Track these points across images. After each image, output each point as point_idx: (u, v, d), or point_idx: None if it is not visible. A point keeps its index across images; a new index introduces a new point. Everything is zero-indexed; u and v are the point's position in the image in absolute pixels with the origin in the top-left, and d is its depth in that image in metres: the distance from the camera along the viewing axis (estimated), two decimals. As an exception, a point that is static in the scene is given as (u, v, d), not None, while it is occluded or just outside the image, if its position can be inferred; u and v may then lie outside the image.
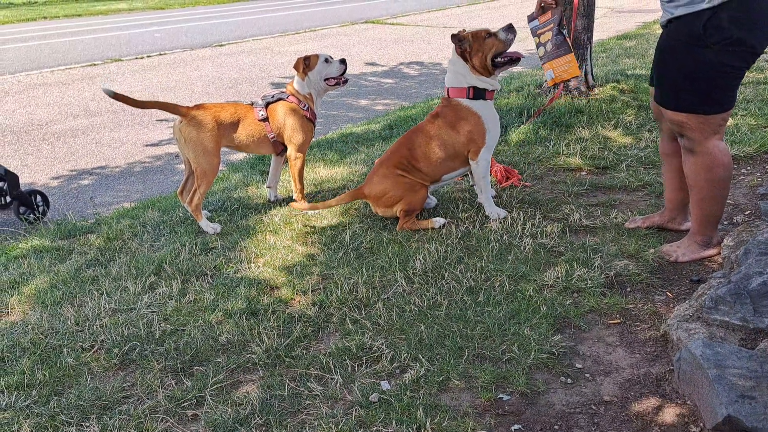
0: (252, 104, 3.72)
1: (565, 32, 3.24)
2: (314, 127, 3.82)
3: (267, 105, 3.69)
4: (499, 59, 3.35)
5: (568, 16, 4.52)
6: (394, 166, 3.48)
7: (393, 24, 13.65)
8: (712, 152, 2.75)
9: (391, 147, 3.64)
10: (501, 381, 2.22)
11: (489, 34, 3.35)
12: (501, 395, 2.16)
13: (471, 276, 2.90)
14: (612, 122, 4.91)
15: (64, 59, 9.77)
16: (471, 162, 3.47)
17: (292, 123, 3.67)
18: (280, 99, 3.71)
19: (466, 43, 3.36)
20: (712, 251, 2.97)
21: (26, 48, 10.93)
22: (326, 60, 3.69)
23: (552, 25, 3.18)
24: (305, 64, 3.68)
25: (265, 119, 3.66)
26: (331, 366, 2.34)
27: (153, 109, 6.44)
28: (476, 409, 2.11)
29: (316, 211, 3.73)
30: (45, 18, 15.36)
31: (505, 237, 3.23)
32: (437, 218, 3.48)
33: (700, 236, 2.96)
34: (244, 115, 3.65)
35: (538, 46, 3.33)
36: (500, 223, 3.41)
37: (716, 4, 2.51)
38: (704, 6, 2.54)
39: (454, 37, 3.39)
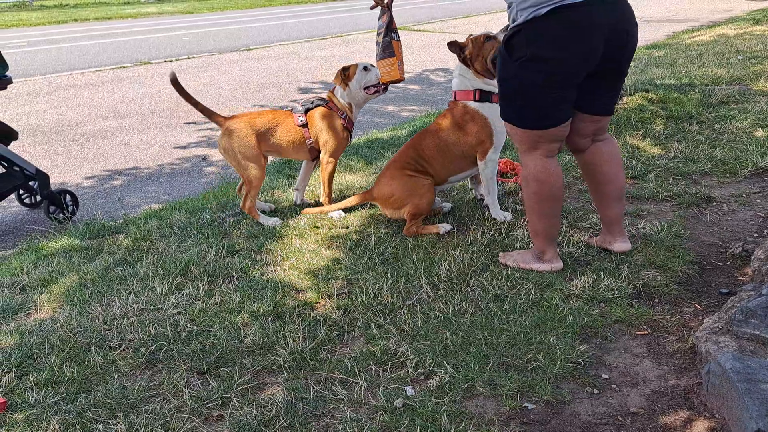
0: (291, 110, 3.75)
1: (394, 36, 3.33)
2: (350, 136, 3.84)
3: (306, 111, 3.72)
4: None
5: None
6: (401, 167, 3.52)
7: (419, 30, 13.67)
8: (528, 165, 2.86)
9: (400, 149, 3.68)
10: (526, 389, 2.20)
11: (488, 37, 3.37)
12: (526, 404, 2.14)
13: (497, 283, 2.88)
14: (641, 132, 4.87)
15: (94, 61, 9.93)
16: (479, 162, 3.50)
17: (328, 129, 3.69)
18: (319, 105, 3.74)
19: (466, 50, 3.40)
20: (543, 266, 2.98)
21: (57, 50, 11.13)
22: (365, 68, 3.70)
23: (384, 29, 3.34)
24: (344, 75, 3.70)
25: (305, 125, 3.69)
26: (356, 370, 2.35)
27: (186, 110, 6.50)
28: (501, 417, 2.10)
29: (342, 216, 3.74)
30: (76, 20, 15.62)
31: (531, 245, 3.21)
32: (443, 224, 3.49)
33: (535, 248, 3.02)
34: (282, 120, 3.68)
35: (376, 44, 3.49)
36: (526, 230, 3.40)
37: (520, 22, 2.62)
38: (517, 23, 2.65)
39: (451, 45, 3.42)
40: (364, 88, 3.70)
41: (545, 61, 2.61)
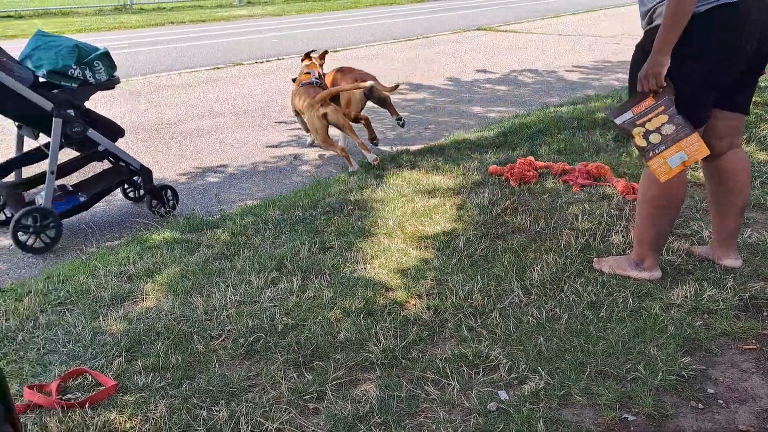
0: None
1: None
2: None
3: None
4: None
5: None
6: None
7: (506, 31, 13.51)
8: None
9: None
10: (625, 400, 2.14)
11: None
12: (626, 415, 2.09)
13: (592, 290, 2.82)
14: (745, 137, 4.64)
15: (189, 62, 10.32)
16: None
17: None
18: None
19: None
20: (641, 274, 2.87)
21: (155, 51, 11.64)
22: None
23: (662, 107, 2.70)
24: None
25: None
26: (448, 371, 2.35)
27: (277, 110, 6.67)
28: (599, 426, 2.05)
29: (429, 218, 3.75)
30: (172, 23, 16.28)
31: (628, 251, 3.13)
32: None
33: (634, 254, 2.91)
34: None
35: (644, 135, 2.76)
36: (622, 236, 3.30)
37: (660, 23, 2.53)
38: (656, 23, 2.57)
39: None
40: None
41: (693, 59, 2.55)
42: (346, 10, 18.67)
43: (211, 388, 2.31)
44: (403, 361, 2.44)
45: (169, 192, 4.34)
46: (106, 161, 4.25)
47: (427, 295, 2.91)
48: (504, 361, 2.39)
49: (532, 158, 4.53)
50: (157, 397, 2.26)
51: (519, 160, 4.47)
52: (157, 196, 4.27)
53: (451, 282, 3.00)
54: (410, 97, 7.68)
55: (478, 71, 9.21)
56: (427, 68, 9.50)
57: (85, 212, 4.17)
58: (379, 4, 20.23)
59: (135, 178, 4.34)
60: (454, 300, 2.83)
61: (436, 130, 6.31)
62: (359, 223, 3.77)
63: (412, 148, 5.45)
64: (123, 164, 4.20)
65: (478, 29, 13.86)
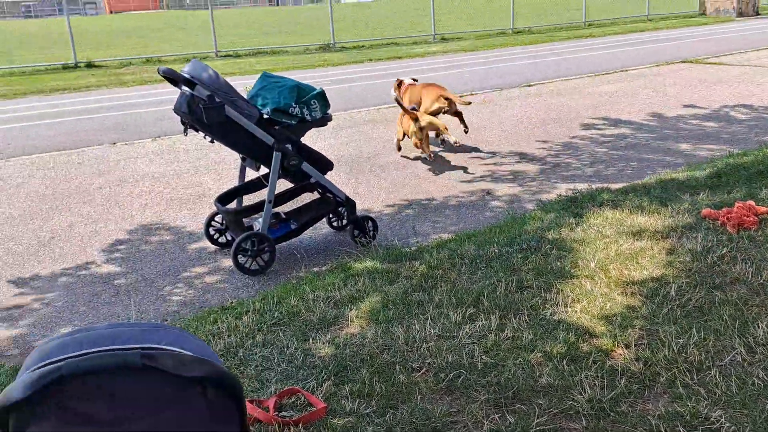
0: None
1: None
2: None
3: None
4: None
5: None
6: None
7: (714, 63, 12.58)
8: None
9: None
10: None
11: None
12: None
13: (833, 355, 2.50)
14: None
15: (378, 101, 10.79)
16: None
17: None
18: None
19: None
20: None
21: (355, 87, 12.33)
22: None
23: None
24: None
25: None
26: (662, 429, 2.19)
27: (467, 147, 6.77)
28: None
29: (635, 262, 3.56)
30: (370, 60, 17.16)
31: None
32: None
33: None
34: None
35: None
36: None
37: None
38: None
39: None
40: None
41: None
42: (540, 44, 18.51)
43: (414, 420, 2.35)
44: (611, 413, 2.32)
45: (370, 223, 4.54)
46: (315, 192, 4.55)
47: (635, 345, 2.75)
48: (727, 425, 2.18)
49: (752, 202, 4.15)
50: (363, 424, 2.35)
51: (737, 203, 4.12)
52: (360, 227, 4.48)
53: (662, 333, 2.81)
54: (609, 133, 7.40)
55: (684, 106, 8.65)
56: (627, 102, 9.10)
57: (294, 238, 4.49)
58: (573, 38, 19.83)
59: (340, 208, 4.60)
60: (666, 353, 2.65)
61: (638, 167, 6.01)
62: (558, 263, 3.68)
63: (613, 186, 5.24)
64: (330, 195, 4.47)
65: (682, 62, 13.06)
